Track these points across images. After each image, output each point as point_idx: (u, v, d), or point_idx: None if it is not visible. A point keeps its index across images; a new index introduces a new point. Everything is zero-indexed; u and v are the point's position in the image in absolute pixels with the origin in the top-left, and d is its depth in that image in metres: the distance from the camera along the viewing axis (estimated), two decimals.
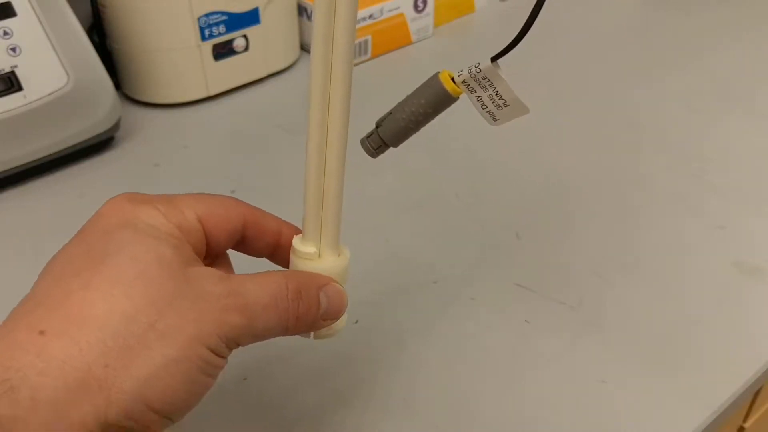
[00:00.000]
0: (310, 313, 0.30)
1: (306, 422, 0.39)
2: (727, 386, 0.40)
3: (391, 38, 0.73)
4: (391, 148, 0.34)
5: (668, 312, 0.45)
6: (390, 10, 0.71)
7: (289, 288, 0.29)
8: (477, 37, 0.77)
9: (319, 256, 0.31)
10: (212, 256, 0.32)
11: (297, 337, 0.43)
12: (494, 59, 0.30)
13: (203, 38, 0.63)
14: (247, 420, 0.39)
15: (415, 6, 0.73)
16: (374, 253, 0.50)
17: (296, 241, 0.32)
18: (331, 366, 0.42)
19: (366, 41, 0.71)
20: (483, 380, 0.41)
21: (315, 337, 0.33)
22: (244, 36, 0.66)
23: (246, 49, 0.66)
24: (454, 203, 0.54)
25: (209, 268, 0.28)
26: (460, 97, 0.32)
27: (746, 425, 0.62)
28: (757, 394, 0.57)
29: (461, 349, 0.43)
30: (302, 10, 0.72)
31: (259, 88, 0.69)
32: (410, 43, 0.75)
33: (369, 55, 0.72)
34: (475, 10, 0.81)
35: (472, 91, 0.31)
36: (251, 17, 0.65)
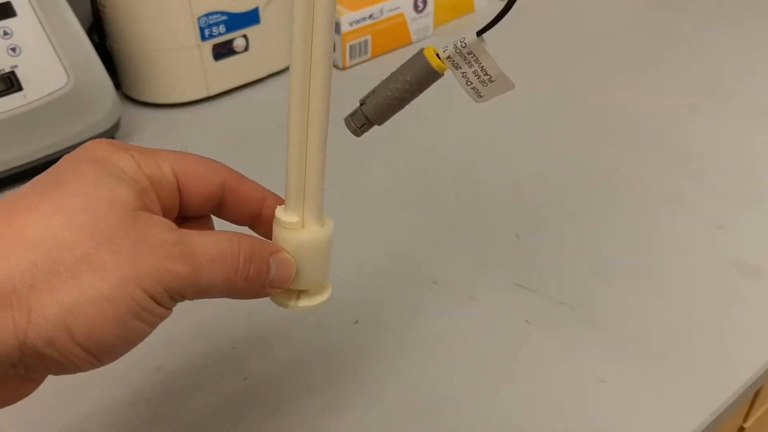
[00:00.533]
0: (260, 277, 0.29)
1: (306, 422, 0.39)
2: (727, 386, 0.40)
3: (391, 38, 0.73)
4: (376, 126, 0.34)
5: (668, 312, 0.45)
6: (390, 10, 0.71)
7: (241, 248, 0.28)
8: None
9: (303, 226, 0.31)
10: (189, 217, 0.32)
11: (297, 338, 0.43)
12: (480, 33, 0.30)
13: (203, 38, 0.63)
14: (248, 420, 0.39)
15: (415, 6, 0.73)
16: (373, 252, 0.50)
17: (279, 211, 0.31)
18: (331, 366, 0.42)
19: (366, 41, 0.71)
20: (483, 380, 0.41)
21: (291, 311, 0.32)
22: (244, 36, 0.66)
23: (246, 49, 0.66)
24: (453, 203, 0.54)
25: (163, 218, 0.27)
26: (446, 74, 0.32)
27: (746, 425, 0.62)
28: (757, 394, 0.57)
29: (461, 349, 0.43)
30: None
31: (259, 88, 0.69)
32: (410, 43, 0.75)
33: (369, 55, 0.72)
34: (475, 10, 0.81)
35: (457, 66, 0.31)
36: (251, 17, 0.65)
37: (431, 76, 0.31)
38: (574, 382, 0.41)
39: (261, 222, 0.33)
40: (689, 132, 0.62)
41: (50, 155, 0.56)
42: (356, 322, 0.44)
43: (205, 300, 0.46)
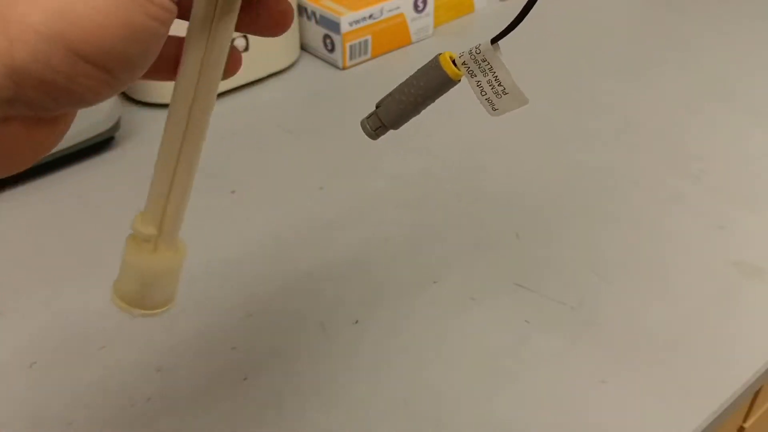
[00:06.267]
0: None
1: (306, 422, 0.39)
2: (727, 386, 0.40)
3: (391, 38, 0.73)
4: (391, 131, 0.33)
5: (668, 312, 0.45)
6: (390, 10, 0.71)
7: None
8: (477, 37, 0.77)
9: (156, 247, 0.29)
10: None
11: (297, 338, 0.43)
12: (494, 41, 0.29)
13: None
14: (248, 420, 0.39)
15: (415, 6, 0.73)
16: (374, 252, 0.50)
17: (137, 219, 0.29)
18: (331, 366, 0.42)
19: (366, 41, 0.71)
20: (483, 380, 0.41)
21: (137, 315, 0.30)
22: (244, 36, 0.66)
23: (246, 49, 0.66)
24: (454, 203, 0.54)
25: None
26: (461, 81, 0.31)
27: (746, 425, 0.62)
28: (757, 394, 0.57)
29: (461, 349, 0.43)
30: (302, 10, 0.72)
31: (259, 88, 0.69)
32: (410, 43, 0.75)
33: (369, 55, 0.72)
34: (475, 10, 0.81)
35: (472, 74, 0.30)
36: None
37: (446, 83, 0.31)
38: (574, 382, 0.41)
39: None
40: (689, 132, 0.62)
41: (50, 155, 0.56)
42: (356, 322, 0.44)
43: (205, 300, 0.46)
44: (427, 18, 0.75)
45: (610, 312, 0.45)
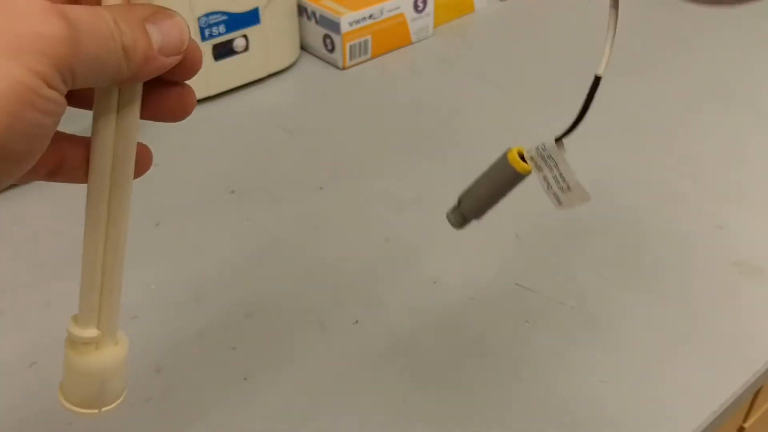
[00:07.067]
0: (138, 45, 0.24)
1: (306, 422, 0.39)
2: (727, 386, 0.40)
3: (391, 38, 0.73)
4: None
5: (668, 312, 0.45)
6: (390, 10, 0.71)
7: (108, 13, 0.24)
8: (476, 37, 0.77)
9: (98, 347, 0.28)
10: None
11: (297, 338, 0.43)
12: (558, 139, 0.30)
13: (203, 38, 0.63)
14: (248, 420, 0.39)
15: (415, 6, 0.73)
16: (374, 252, 0.50)
17: (71, 325, 0.28)
18: (330, 366, 0.42)
19: (366, 41, 0.71)
20: (483, 380, 0.41)
21: (91, 416, 0.30)
22: (244, 36, 0.66)
23: (246, 49, 0.66)
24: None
25: None
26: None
27: (746, 425, 0.62)
28: (757, 394, 0.57)
29: (461, 349, 0.43)
30: (302, 10, 0.72)
31: (259, 88, 0.69)
32: (410, 43, 0.75)
33: (369, 55, 0.72)
34: (475, 10, 0.81)
35: (539, 169, 0.31)
36: (251, 17, 0.65)
37: (516, 177, 0.32)
38: (574, 382, 0.41)
39: None
40: (689, 132, 0.62)
41: None
42: (356, 322, 0.44)
43: (205, 300, 0.46)
44: (427, 18, 0.75)
45: (610, 312, 0.45)
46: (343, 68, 0.71)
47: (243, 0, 0.64)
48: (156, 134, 0.63)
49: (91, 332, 0.28)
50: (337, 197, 0.55)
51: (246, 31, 0.65)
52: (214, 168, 0.58)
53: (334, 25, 0.69)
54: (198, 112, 0.65)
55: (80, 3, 0.25)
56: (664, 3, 0.84)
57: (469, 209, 0.34)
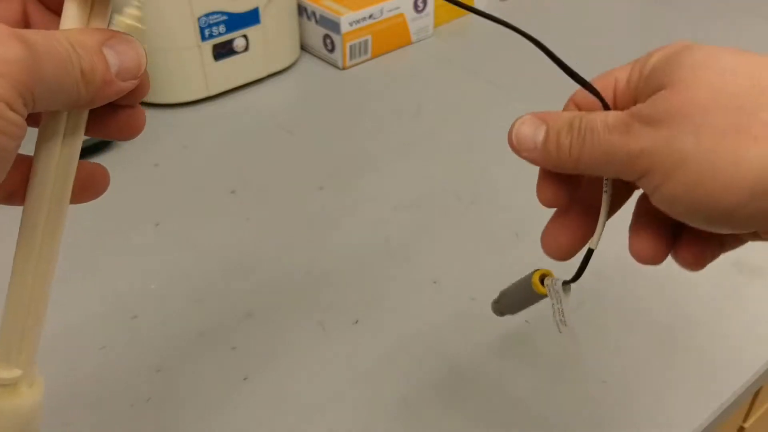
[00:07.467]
0: (97, 68, 0.25)
1: (306, 422, 0.39)
2: (727, 386, 0.40)
3: (391, 38, 0.73)
4: None
5: (668, 312, 0.45)
6: (390, 10, 0.71)
7: (64, 37, 0.24)
8: (476, 37, 0.77)
9: (15, 389, 0.26)
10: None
11: (297, 338, 0.43)
12: (566, 283, 0.34)
13: (203, 38, 0.63)
14: (248, 420, 0.39)
15: (415, 6, 0.73)
16: (374, 252, 0.50)
17: None
18: (330, 366, 0.42)
19: (366, 41, 0.71)
20: (483, 380, 0.41)
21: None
22: (244, 36, 0.66)
23: (246, 49, 0.66)
24: (454, 203, 0.54)
25: None
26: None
27: (746, 425, 0.62)
28: (757, 394, 0.57)
29: (461, 349, 0.43)
30: (302, 10, 0.72)
31: (259, 88, 0.69)
32: (410, 43, 0.75)
33: (369, 55, 0.72)
34: None
35: (551, 296, 0.35)
36: (251, 17, 0.65)
37: (537, 296, 0.35)
38: (575, 382, 0.41)
39: None
40: None
41: None
42: (356, 322, 0.44)
43: (205, 300, 0.46)
44: (427, 18, 0.75)
45: (610, 312, 0.45)
46: (343, 68, 0.71)
47: (243, 0, 0.64)
48: (156, 134, 0.63)
49: (15, 372, 0.25)
50: (337, 197, 0.55)
51: (246, 31, 0.66)
52: (214, 168, 0.58)
53: (334, 25, 0.69)
54: (198, 112, 0.65)
55: (31, 28, 0.26)
56: (664, 2, 0.84)
57: (505, 307, 0.39)
